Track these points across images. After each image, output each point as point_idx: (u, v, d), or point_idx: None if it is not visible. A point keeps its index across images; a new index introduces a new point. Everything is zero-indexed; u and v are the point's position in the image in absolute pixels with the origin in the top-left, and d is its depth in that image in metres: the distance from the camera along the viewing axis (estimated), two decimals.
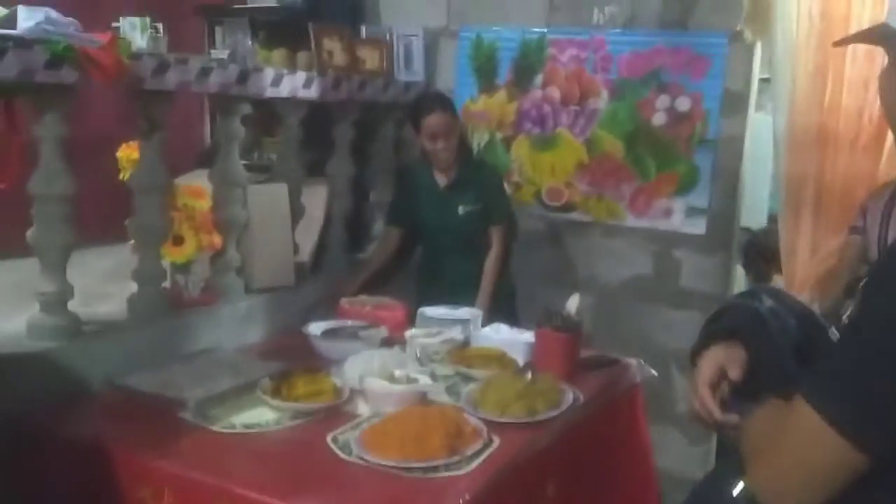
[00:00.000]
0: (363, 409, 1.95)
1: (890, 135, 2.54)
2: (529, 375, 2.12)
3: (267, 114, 2.99)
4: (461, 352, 2.29)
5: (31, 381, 1.93)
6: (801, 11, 2.63)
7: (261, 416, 1.89)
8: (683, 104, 3.05)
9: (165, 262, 2.37)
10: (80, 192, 2.04)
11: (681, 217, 3.10)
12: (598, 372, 2.28)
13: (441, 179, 2.96)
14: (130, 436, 1.77)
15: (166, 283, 2.40)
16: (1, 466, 1.76)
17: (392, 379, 2.00)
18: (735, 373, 1.07)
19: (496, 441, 1.78)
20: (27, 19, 1.83)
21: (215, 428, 1.82)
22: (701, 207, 3.06)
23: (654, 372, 2.42)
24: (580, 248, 3.30)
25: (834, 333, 0.95)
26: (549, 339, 2.22)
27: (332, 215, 3.08)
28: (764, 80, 3.01)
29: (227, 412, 1.89)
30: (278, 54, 2.82)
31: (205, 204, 2.55)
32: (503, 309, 2.87)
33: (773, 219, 3.39)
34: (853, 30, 2.49)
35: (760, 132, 3.09)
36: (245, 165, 2.69)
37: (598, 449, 2.15)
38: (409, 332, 2.40)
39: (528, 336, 2.34)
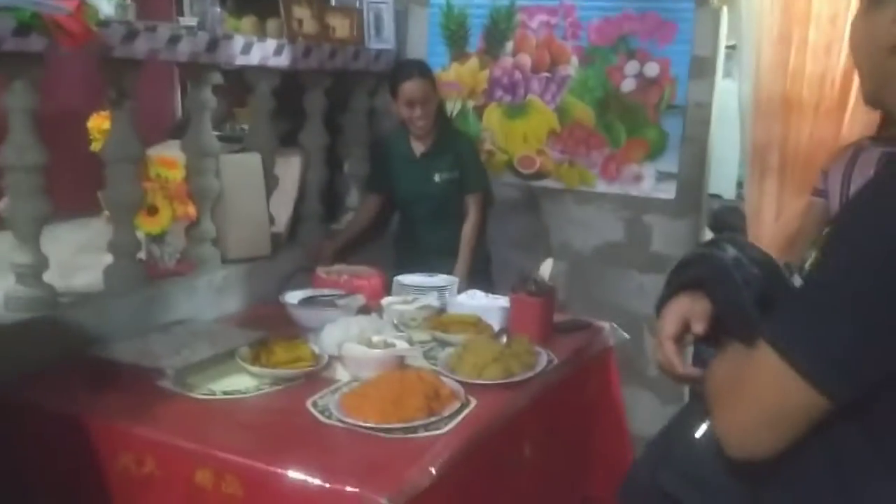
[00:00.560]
0: (342, 374, 1.97)
1: (851, 100, 2.60)
2: (504, 339, 2.16)
3: (238, 85, 2.97)
4: (437, 318, 2.32)
5: (8, 352, 1.93)
6: None
7: (240, 382, 1.90)
8: (651, 70, 3.07)
9: (140, 234, 2.36)
10: (49, 164, 2.02)
11: (651, 182, 3.15)
12: (571, 335, 2.32)
13: (418, 147, 2.97)
14: (110, 404, 1.77)
15: (141, 254, 2.39)
16: None
17: (370, 344, 2.02)
18: (699, 326, 1.07)
19: (473, 402, 1.82)
20: None
21: (195, 395, 1.84)
22: (671, 172, 3.10)
23: (626, 335, 2.47)
24: (553, 214, 3.33)
25: (797, 280, 0.97)
26: (523, 303, 2.26)
27: (306, 185, 3.08)
28: (730, 48, 3.04)
29: (206, 380, 1.90)
30: (247, 22, 2.79)
31: (178, 174, 2.54)
32: (479, 275, 2.90)
33: (741, 185, 3.44)
34: None
35: (728, 99, 3.11)
36: (218, 137, 2.66)
37: (572, 410, 2.20)
38: (385, 300, 2.42)
39: (503, 301, 2.37)
